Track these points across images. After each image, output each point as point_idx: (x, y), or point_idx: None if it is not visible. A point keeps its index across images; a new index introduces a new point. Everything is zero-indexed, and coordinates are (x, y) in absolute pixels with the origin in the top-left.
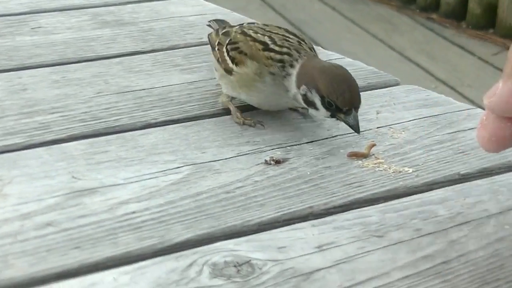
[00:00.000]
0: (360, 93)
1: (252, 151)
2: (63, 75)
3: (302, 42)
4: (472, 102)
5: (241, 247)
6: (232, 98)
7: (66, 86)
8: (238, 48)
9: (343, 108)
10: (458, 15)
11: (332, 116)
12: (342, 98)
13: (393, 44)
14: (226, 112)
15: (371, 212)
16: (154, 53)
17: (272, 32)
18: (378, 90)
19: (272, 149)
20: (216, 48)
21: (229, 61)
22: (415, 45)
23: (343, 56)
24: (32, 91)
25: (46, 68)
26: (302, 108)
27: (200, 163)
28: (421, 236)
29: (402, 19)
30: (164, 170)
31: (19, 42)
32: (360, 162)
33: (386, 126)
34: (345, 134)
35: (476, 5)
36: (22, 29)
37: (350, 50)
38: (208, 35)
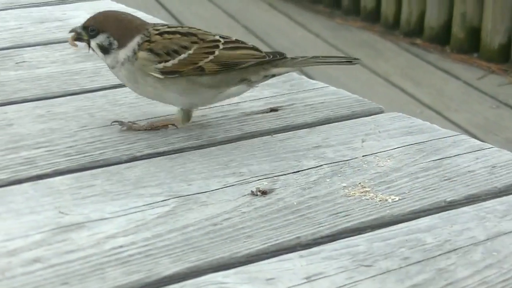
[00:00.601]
0: (344, 121)
1: (238, 182)
2: (48, 109)
3: None
4: (458, 126)
5: (229, 279)
6: None
7: (51, 120)
8: None
9: None
10: (442, 39)
11: None
12: None
13: (378, 69)
14: (212, 143)
15: (359, 241)
16: None
17: None
18: (362, 118)
19: (258, 180)
20: None
21: None
22: (400, 70)
23: (327, 85)
24: (17, 126)
25: (31, 103)
26: None
27: (187, 195)
28: (409, 264)
29: (386, 44)
30: (151, 203)
31: (4, 77)
32: (346, 191)
33: (372, 154)
34: (331, 163)
35: (459, 29)
36: (6, 63)
37: (334, 76)
38: None
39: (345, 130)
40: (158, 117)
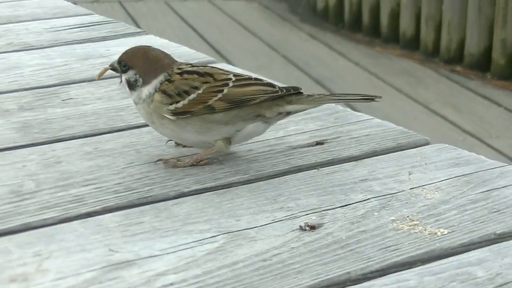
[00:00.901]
0: (390, 154)
1: (287, 217)
2: (95, 146)
3: None
4: (501, 153)
5: None
6: None
7: (99, 157)
8: None
9: None
10: (483, 66)
11: None
12: None
13: (418, 97)
14: (259, 178)
15: (409, 276)
16: None
17: None
18: (408, 150)
19: (307, 214)
20: None
21: None
22: (440, 97)
23: (372, 117)
24: (65, 163)
25: (78, 140)
26: None
27: (235, 231)
28: None
29: (426, 72)
30: (200, 240)
31: (51, 114)
32: (395, 224)
33: (419, 186)
34: (379, 196)
35: (500, 55)
36: (53, 101)
37: (375, 105)
38: None
39: (392, 162)
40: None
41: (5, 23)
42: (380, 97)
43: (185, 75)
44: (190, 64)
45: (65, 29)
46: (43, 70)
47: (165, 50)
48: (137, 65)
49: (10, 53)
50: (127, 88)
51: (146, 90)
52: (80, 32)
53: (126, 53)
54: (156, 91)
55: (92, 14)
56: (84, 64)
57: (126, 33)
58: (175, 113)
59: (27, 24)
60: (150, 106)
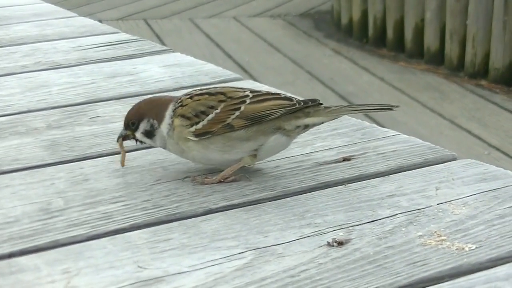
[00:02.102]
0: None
1: (314, 233)
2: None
3: None
4: None
5: None
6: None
7: (127, 174)
8: None
9: None
10: (508, 80)
11: None
12: None
13: (443, 112)
14: (286, 194)
15: None
16: None
17: None
18: (435, 166)
19: (334, 230)
20: None
21: None
22: (466, 112)
23: (398, 133)
24: (94, 181)
25: (106, 157)
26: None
27: (263, 247)
28: None
29: (451, 86)
30: (228, 256)
31: (79, 132)
32: (422, 240)
33: (446, 202)
34: (406, 212)
35: None
36: (81, 119)
37: (400, 119)
38: None
39: (419, 178)
40: None
41: (33, 42)
42: (398, 106)
43: (196, 97)
44: (199, 88)
45: (92, 48)
46: (70, 89)
47: (191, 68)
48: (145, 114)
49: (39, 72)
50: (147, 140)
51: (164, 126)
52: (107, 51)
53: (128, 115)
54: (172, 118)
55: (119, 32)
56: (111, 82)
57: (153, 51)
58: (197, 134)
59: (54, 43)
60: (174, 136)
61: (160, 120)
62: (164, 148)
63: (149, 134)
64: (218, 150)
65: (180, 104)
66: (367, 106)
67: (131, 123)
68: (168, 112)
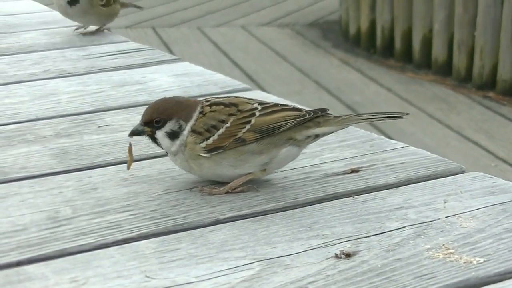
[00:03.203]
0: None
1: (322, 244)
2: (131, 173)
3: None
4: None
5: None
6: None
7: (135, 184)
8: None
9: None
10: None
11: None
12: None
13: (451, 123)
14: (294, 205)
15: None
16: None
17: None
18: (443, 178)
19: (342, 242)
20: None
21: None
22: (473, 123)
23: (407, 145)
24: (102, 190)
25: (114, 166)
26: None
27: (271, 258)
28: None
29: (458, 98)
30: (235, 267)
31: (87, 141)
32: (430, 253)
33: (455, 215)
34: (414, 224)
35: None
36: (89, 127)
37: (407, 130)
38: None
39: (427, 190)
40: None
41: (42, 50)
42: (407, 114)
43: (214, 107)
44: (216, 96)
45: (101, 56)
46: (79, 97)
47: (200, 77)
48: (175, 113)
49: (47, 80)
50: (167, 142)
51: (187, 129)
52: (116, 59)
53: (155, 110)
54: (190, 132)
55: (128, 41)
56: (120, 91)
57: (162, 60)
58: (208, 150)
59: (63, 51)
60: (184, 153)
61: (187, 122)
62: (173, 155)
63: (173, 135)
64: (230, 165)
65: (202, 110)
66: (376, 114)
67: (156, 121)
68: (196, 113)
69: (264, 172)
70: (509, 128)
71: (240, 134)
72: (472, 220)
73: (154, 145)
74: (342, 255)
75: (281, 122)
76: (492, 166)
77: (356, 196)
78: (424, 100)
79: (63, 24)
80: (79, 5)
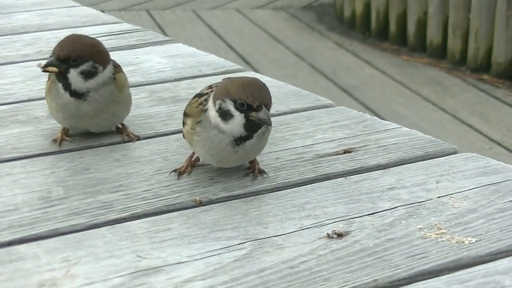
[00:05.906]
0: (418, 162)
1: (314, 224)
2: (124, 153)
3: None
4: None
5: None
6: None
7: (127, 164)
8: (184, 111)
9: (253, 105)
10: (510, 75)
11: (246, 118)
12: (252, 96)
13: (445, 106)
14: (286, 186)
15: (436, 284)
16: None
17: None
18: (436, 159)
19: (334, 222)
20: None
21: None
22: (467, 106)
23: (399, 126)
24: (94, 170)
25: (106, 147)
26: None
27: (263, 238)
28: None
29: (453, 81)
30: (227, 247)
31: None
32: (422, 233)
33: (447, 195)
34: (406, 204)
35: None
36: None
37: (402, 113)
38: None
39: (419, 171)
40: None
41: (35, 31)
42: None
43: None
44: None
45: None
46: None
47: (193, 59)
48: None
49: (40, 61)
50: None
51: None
52: (109, 40)
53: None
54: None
55: (121, 22)
56: None
57: (155, 41)
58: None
59: (56, 32)
60: None
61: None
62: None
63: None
64: None
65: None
66: None
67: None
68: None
69: None
70: (503, 110)
71: None
72: (464, 200)
73: (146, 124)
74: (334, 235)
75: None
76: (486, 148)
77: (349, 177)
78: (418, 83)
79: (56, 5)
80: None
